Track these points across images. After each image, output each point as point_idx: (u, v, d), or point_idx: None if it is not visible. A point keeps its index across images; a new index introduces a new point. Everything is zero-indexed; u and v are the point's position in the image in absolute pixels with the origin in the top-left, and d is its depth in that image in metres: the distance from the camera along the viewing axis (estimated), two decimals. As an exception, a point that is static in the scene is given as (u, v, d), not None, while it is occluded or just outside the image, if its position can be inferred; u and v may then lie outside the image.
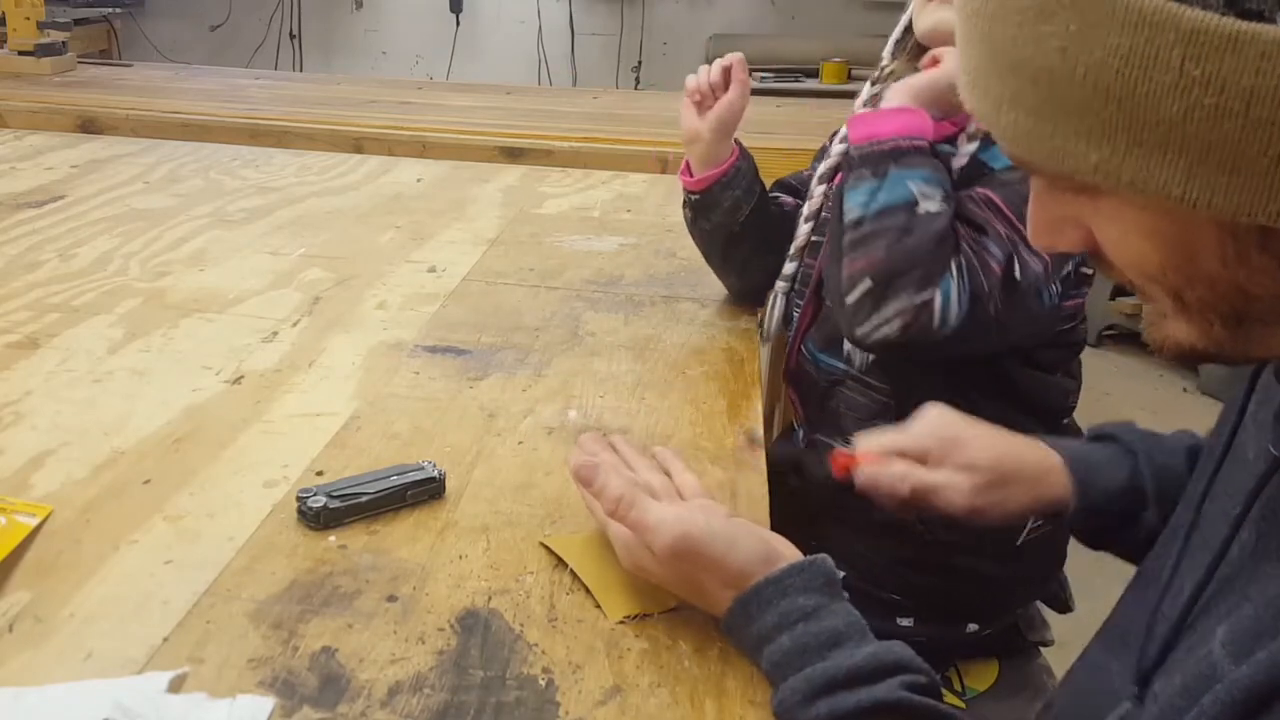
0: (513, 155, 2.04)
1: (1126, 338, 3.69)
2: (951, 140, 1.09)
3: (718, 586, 0.68)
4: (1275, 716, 0.45)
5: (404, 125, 2.12)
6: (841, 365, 1.12)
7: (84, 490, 0.84)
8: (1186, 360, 0.53)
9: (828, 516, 1.15)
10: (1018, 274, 0.99)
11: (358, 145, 2.07)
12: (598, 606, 0.73)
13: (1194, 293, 0.49)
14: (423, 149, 2.05)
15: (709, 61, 1.22)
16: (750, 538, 0.69)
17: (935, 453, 0.82)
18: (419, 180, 1.87)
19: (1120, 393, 3.40)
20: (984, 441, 0.82)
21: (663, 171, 2.00)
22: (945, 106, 1.08)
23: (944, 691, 1.18)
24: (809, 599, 0.66)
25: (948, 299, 0.97)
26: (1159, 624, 0.60)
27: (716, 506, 0.74)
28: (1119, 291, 3.61)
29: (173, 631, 0.68)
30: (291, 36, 4.88)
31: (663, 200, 1.77)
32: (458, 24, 4.77)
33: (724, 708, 0.64)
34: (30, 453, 0.89)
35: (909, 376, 1.10)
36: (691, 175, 1.24)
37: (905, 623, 1.15)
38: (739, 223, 1.23)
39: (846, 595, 0.68)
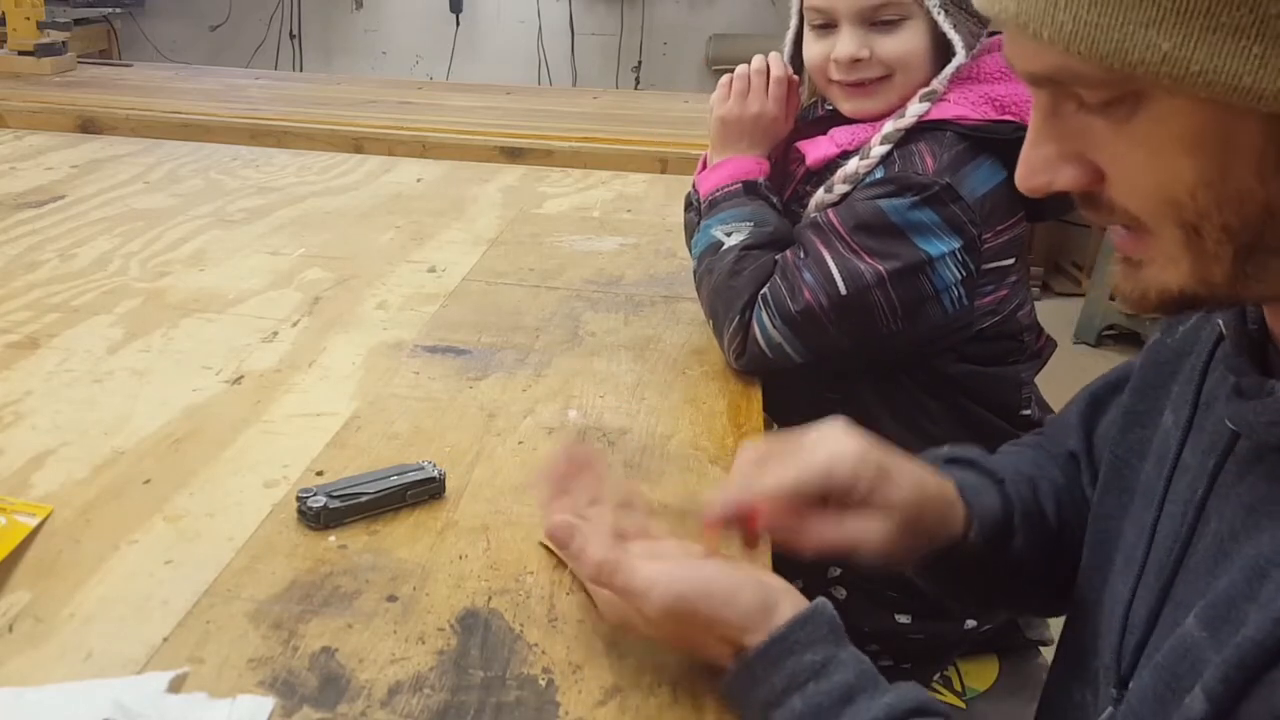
0: (513, 155, 2.04)
1: (1126, 338, 3.69)
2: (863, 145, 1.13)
3: (716, 642, 0.63)
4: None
5: (404, 125, 2.12)
6: (794, 357, 1.10)
7: (84, 490, 0.84)
8: (1167, 310, 0.52)
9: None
10: (843, 289, 1.05)
11: (358, 145, 2.07)
12: (597, 606, 0.72)
13: (1217, 218, 0.47)
14: (423, 149, 2.05)
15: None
16: (748, 586, 0.63)
17: (860, 489, 0.68)
18: (419, 180, 1.87)
19: (1120, 393, 3.40)
20: (905, 477, 0.70)
21: (663, 171, 2.00)
22: (751, 135, 1.19)
23: (944, 691, 1.19)
24: (816, 653, 0.61)
25: (763, 326, 1.08)
26: (1133, 620, 0.60)
27: (702, 555, 0.67)
28: (1119, 291, 3.61)
29: (173, 631, 0.68)
30: (291, 36, 4.88)
31: (663, 200, 1.77)
32: (458, 24, 4.77)
33: (724, 708, 0.64)
34: (30, 453, 0.89)
35: (848, 375, 1.15)
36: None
37: (903, 619, 1.16)
38: None
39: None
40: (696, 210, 1.20)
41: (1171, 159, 0.47)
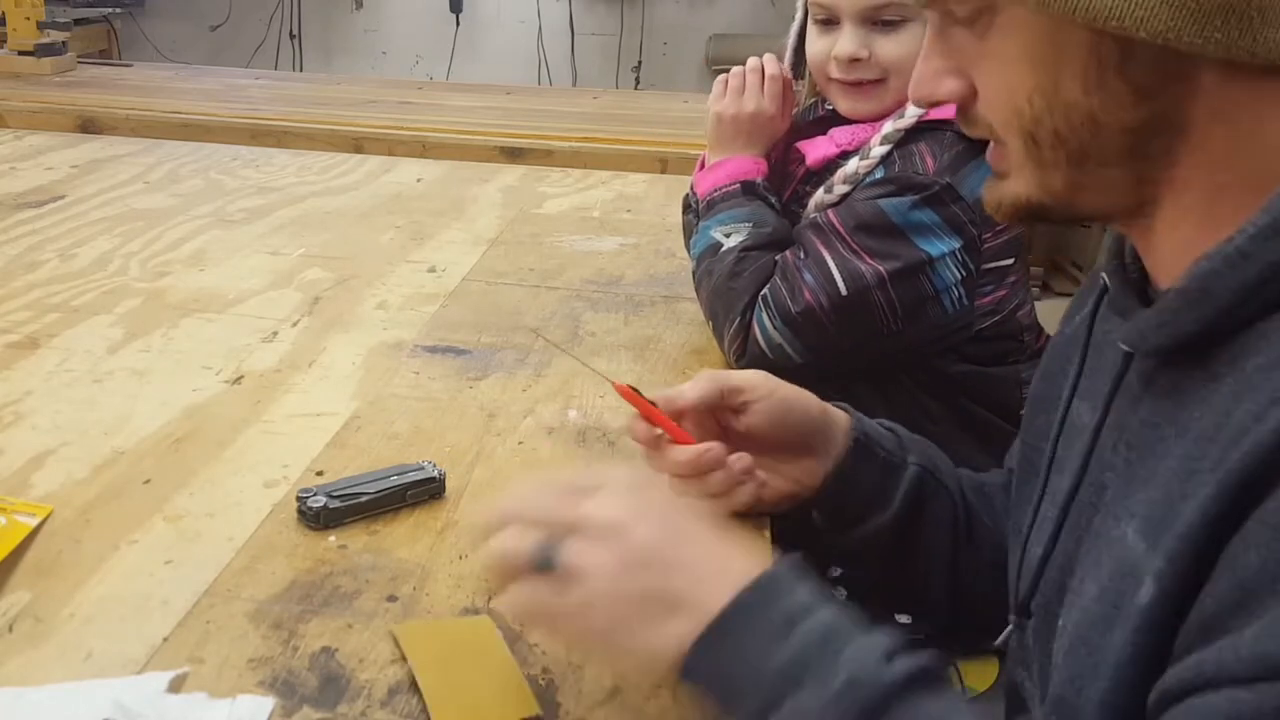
0: (513, 155, 2.04)
1: (1126, 337, 3.69)
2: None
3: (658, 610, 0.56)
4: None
5: (404, 125, 2.12)
6: (795, 357, 1.10)
7: (84, 490, 0.84)
8: (1020, 217, 0.57)
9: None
10: (843, 289, 1.05)
11: (358, 145, 2.07)
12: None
13: (1050, 123, 0.53)
14: (423, 149, 2.05)
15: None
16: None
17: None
18: (419, 180, 1.87)
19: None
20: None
21: (663, 171, 2.00)
22: (748, 133, 1.18)
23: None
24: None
25: (763, 326, 1.08)
26: (1030, 552, 0.63)
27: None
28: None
29: (173, 631, 0.68)
30: (291, 36, 4.87)
31: (663, 200, 1.77)
32: (458, 24, 4.77)
33: (724, 711, 0.64)
34: (30, 453, 0.89)
35: (848, 376, 1.14)
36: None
37: (903, 619, 1.16)
38: None
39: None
40: (695, 212, 1.20)
41: (1015, 71, 0.53)
